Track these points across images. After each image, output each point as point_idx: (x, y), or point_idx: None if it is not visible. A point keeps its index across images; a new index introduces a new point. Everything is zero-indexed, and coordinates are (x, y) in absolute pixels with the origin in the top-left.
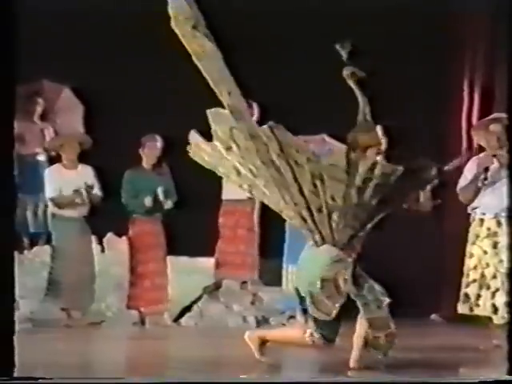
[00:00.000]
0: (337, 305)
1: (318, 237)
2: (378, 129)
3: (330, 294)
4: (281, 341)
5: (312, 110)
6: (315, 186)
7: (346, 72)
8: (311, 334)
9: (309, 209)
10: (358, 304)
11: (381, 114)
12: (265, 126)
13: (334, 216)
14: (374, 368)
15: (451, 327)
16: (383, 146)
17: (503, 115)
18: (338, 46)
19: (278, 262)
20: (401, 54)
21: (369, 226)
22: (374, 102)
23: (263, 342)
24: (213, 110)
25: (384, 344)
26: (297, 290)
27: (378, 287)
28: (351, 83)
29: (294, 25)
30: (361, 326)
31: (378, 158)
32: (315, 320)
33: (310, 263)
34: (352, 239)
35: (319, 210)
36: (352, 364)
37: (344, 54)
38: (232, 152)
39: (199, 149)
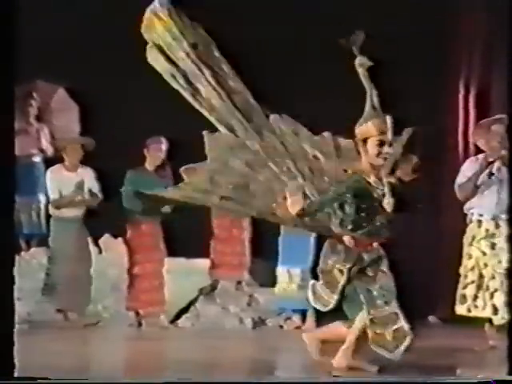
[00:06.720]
0: (335, 296)
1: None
2: (388, 119)
3: (328, 286)
4: (335, 339)
5: (312, 108)
6: None
7: (358, 62)
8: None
9: None
10: (361, 297)
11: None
12: None
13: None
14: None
15: (448, 328)
16: (389, 136)
17: (505, 116)
18: (351, 37)
19: (273, 262)
20: (399, 54)
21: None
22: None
23: (323, 343)
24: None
25: (390, 341)
26: None
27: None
28: (361, 72)
29: (295, 25)
30: (360, 320)
31: (386, 148)
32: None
33: None
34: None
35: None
36: (335, 363)
37: (355, 46)
38: None
39: None
